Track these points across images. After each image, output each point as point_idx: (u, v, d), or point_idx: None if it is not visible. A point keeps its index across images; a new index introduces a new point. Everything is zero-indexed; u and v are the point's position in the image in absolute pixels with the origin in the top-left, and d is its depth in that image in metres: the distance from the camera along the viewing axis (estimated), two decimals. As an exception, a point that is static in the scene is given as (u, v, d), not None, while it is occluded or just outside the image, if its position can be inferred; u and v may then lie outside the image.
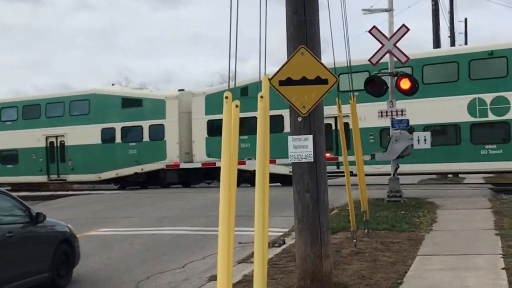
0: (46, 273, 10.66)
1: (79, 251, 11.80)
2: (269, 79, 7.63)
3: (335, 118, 25.37)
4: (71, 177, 35.96)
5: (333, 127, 27.87)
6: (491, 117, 25.37)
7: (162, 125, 33.27)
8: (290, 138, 8.89)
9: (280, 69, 8.69)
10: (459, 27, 58.55)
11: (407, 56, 19.25)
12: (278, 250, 12.52)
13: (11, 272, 9.82)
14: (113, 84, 47.63)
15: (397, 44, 19.17)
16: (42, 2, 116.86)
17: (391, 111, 19.52)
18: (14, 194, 11.33)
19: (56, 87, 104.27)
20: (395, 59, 19.72)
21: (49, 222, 11.17)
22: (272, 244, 13.06)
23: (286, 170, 26.79)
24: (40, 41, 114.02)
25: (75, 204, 25.88)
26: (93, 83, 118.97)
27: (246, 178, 25.99)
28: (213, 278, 10.26)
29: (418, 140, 19.27)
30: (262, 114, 6.62)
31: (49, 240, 11.01)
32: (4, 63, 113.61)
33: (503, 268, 9.71)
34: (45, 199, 29.76)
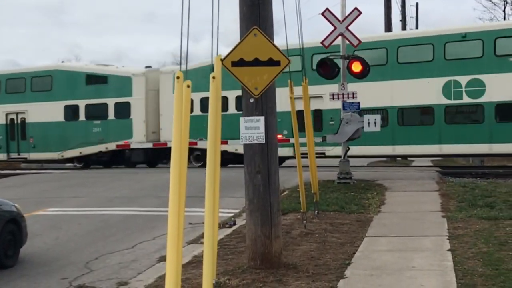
0: (-8, 253, 10.47)
1: (27, 231, 11.60)
2: (222, 60, 7.60)
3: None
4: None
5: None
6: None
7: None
8: (242, 119, 8.89)
9: (233, 50, 8.66)
10: (410, 11, 59.25)
11: (359, 39, 19.37)
12: (229, 231, 12.55)
13: (-44, 252, 9.61)
14: (62, 61, 46.72)
15: (349, 27, 19.28)
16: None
17: (343, 94, 19.67)
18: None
19: (3, 64, 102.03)
20: (347, 43, 19.84)
21: (-5, 202, 10.96)
22: (223, 225, 13.09)
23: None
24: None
25: (23, 183, 25.44)
26: (42, 60, 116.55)
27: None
28: (163, 258, 10.23)
29: (369, 122, 19.47)
30: (214, 94, 6.59)
31: (-5, 219, 10.79)
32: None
33: (448, 250, 9.93)
34: (-8, 178, 29.18)
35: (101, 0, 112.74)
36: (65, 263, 10.90)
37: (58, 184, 24.00)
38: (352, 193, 17.27)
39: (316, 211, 13.52)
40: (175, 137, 5.78)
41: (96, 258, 11.11)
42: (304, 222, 12.19)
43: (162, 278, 8.60)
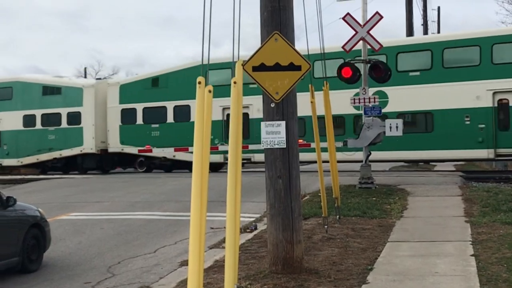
0: (16, 257, 10.56)
1: (50, 235, 11.71)
2: (243, 65, 7.61)
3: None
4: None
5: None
6: None
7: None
8: (263, 124, 8.89)
9: (254, 54, 8.68)
10: (432, 15, 58.94)
11: (380, 44, 19.32)
12: (250, 235, 12.55)
13: (-20, 256, 9.72)
14: (85, 68, 47.25)
15: (370, 32, 19.22)
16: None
17: (364, 98, 19.60)
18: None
19: (26, 69, 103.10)
20: (368, 47, 19.78)
21: (19, 206, 11.06)
22: (244, 229, 13.09)
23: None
24: (10, 21, 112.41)
25: (46, 188, 25.65)
26: (64, 65, 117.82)
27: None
28: (185, 263, 10.26)
29: (390, 127, 19.38)
30: (235, 99, 6.60)
31: (19, 224, 10.89)
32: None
33: (472, 255, 9.84)
34: (16, 182, 29.46)
35: (121, 5, 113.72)
36: (88, 267, 10.98)
37: (81, 189, 24.17)
38: (373, 198, 17.19)
39: (338, 216, 13.47)
40: (197, 142, 5.80)
41: (118, 263, 11.17)
42: (326, 227, 12.15)
43: (184, 282, 8.62)
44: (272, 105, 8.82)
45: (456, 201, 16.74)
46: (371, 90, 21.01)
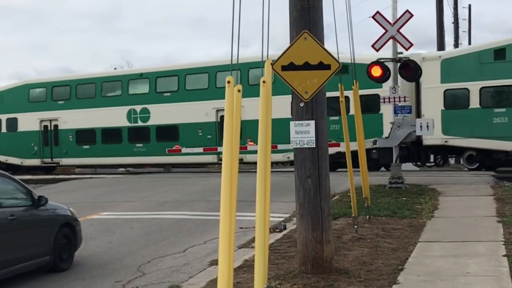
0: (48, 256, 10.69)
1: (81, 234, 11.82)
2: (272, 64, 7.60)
3: None
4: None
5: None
6: None
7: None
8: (292, 123, 8.87)
9: (283, 54, 8.66)
10: (463, 13, 58.27)
11: (410, 42, 19.16)
12: (279, 235, 12.53)
13: (13, 255, 9.84)
14: (115, 69, 47.69)
15: (400, 30, 19.08)
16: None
17: (394, 97, 19.47)
18: (17, 177, 11.33)
19: (58, 70, 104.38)
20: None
21: (51, 206, 11.18)
22: (273, 229, 13.08)
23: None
24: (42, 23, 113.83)
25: (77, 187, 25.92)
26: (95, 66, 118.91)
27: None
28: (214, 262, 10.28)
29: (421, 126, 19.22)
30: (264, 99, 6.58)
31: (50, 223, 11.01)
32: (7, 45, 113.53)
33: (504, 255, 9.71)
34: (47, 182, 29.80)
35: (152, 6, 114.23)
36: (118, 266, 11.06)
37: (111, 189, 24.36)
38: (404, 198, 17.06)
39: (368, 216, 13.38)
40: (226, 142, 5.80)
41: (148, 262, 11.23)
42: (356, 227, 12.08)
43: (213, 282, 8.65)
44: (301, 104, 8.80)
45: (487, 200, 16.54)
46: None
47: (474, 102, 26.65)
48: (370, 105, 26.28)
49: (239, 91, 5.93)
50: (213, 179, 24.52)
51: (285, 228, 13.30)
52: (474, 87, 26.62)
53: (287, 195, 16.90)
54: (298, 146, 8.85)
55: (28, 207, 10.57)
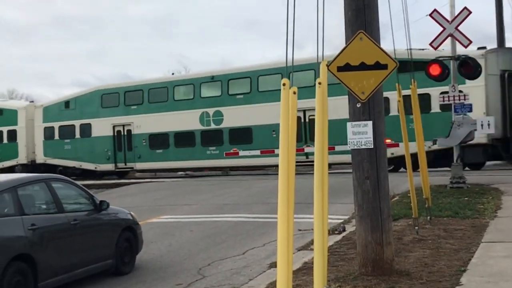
0: (110, 259, 10.89)
1: (142, 238, 12.00)
2: (327, 65, 7.56)
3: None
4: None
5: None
6: None
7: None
8: (349, 124, 8.81)
9: (338, 55, 8.60)
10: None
11: (469, 40, 18.80)
12: (339, 237, 12.46)
13: (77, 258, 10.07)
14: (173, 73, 48.41)
15: (459, 27, 18.74)
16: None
17: (453, 96, 19.12)
18: (79, 182, 11.59)
19: (116, 77, 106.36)
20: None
21: (112, 210, 11.39)
22: (332, 231, 13.01)
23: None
24: (99, 31, 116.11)
25: (138, 192, 26.34)
26: (152, 72, 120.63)
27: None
28: (274, 265, 10.29)
29: (482, 125, 18.81)
30: (320, 100, 6.56)
31: (112, 227, 11.23)
32: (67, 53, 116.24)
33: None
34: (108, 187, 30.42)
35: (206, 10, 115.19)
36: (178, 269, 11.18)
37: (170, 192, 24.67)
38: (466, 198, 16.72)
39: (429, 217, 13.17)
40: (283, 144, 5.80)
41: (208, 264, 11.32)
42: (416, 228, 11.91)
43: (273, 284, 8.65)
44: (358, 105, 8.72)
45: (553, 200, 16.08)
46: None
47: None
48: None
49: (294, 93, 5.93)
50: (270, 181, 24.56)
51: (344, 230, 13.21)
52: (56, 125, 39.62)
53: (346, 197, 16.79)
54: (355, 147, 8.77)
55: (90, 212, 10.80)
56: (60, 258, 9.69)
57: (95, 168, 37.93)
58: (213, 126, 33.80)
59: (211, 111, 33.78)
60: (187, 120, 34.28)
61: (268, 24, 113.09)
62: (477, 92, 26.57)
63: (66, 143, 38.54)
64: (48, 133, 39.27)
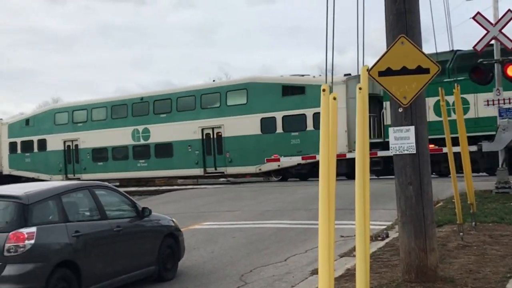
0: (153, 266, 10.97)
1: (184, 244, 12.06)
2: (368, 70, 7.51)
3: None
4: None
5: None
6: None
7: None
8: (391, 129, 8.73)
9: (379, 59, 8.54)
10: None
11: (513, 42, 18.47)
12: (381, 243, 12.33)
13: (120, 265, 10.17)
14: (214, 80, 48.65)
15: (502, 30, 18.45)
16: (144, 2, 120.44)
17: (498, 100, 18.81)
18: (122, 189, 11.71)
19: (159, 84, 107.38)
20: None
21: (154, 217, 11.48)
22: (375, 237, 12.89)
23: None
24: (143, 39, 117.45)
25: (180, 198, 26.51)
26: (195, 79, 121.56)
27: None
28: (316, 271, 10.21)
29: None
30: (361, 105, 6.52)
31: (155, 234, 11.31)
32: (111, 61, 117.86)
33: None
34: (151, 194, 30.70)
35: (246, 17, 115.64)
36: (221, 275, 11.20)
37: (212, 199, 24.77)
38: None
39: (473, 223, 12.96)
40: (323, 150, 5.77)
41: (250, 271, 11.31)
42: (461, 234, 11.73)
43: (315, 291, 8.60)
44: (400, 110, 8.64)
45: None
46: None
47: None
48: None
49: (334, 98, 5.91)
50: (312, 187, 24.47)
51: (387, 236, 13.07)
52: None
53: (389, 203, 16.64)
54: (397, 153, 8.69)
55: (133, 218, 10.90)
56: (103, 264, 9.80)
57: (50, 178, 40.56)
58: (142, 141, 38.04)
59: (140, 128, 37.93)
60: (122, 136, 38.49)
61: (309, 31, 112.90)
62: None
63: (26, 156, 43.00)
64: (12, 147, 43.68)
